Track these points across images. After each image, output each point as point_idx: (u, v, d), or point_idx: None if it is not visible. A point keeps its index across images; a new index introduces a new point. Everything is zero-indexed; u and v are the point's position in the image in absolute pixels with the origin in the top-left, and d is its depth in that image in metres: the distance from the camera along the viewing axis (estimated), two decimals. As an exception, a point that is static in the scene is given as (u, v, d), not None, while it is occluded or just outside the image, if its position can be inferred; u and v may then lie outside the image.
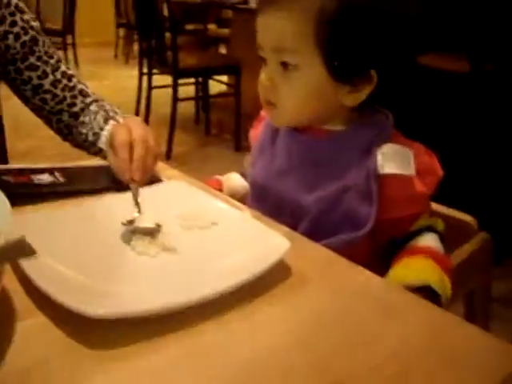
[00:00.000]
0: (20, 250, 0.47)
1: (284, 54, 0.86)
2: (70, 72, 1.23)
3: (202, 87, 4.49)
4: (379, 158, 0.85)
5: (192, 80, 4.42)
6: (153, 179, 0.96)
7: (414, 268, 0.85)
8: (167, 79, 3.86)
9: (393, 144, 0.86)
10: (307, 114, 0.90)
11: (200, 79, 4.49)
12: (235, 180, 1.15)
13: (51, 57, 1.20)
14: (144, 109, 4.19)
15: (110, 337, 0.58)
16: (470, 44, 1.84)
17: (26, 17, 1.17)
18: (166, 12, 3.76)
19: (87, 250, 0.73)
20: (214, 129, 4.20)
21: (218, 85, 4.48)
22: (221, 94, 4.78)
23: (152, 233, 0.78)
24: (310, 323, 0.63)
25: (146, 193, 0.88)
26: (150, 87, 4.14)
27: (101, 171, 1.01)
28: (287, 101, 0.88)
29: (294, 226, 0.88)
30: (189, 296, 0.62)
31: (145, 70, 4.25)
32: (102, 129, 1.14)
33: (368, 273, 0.75)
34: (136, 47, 6.58)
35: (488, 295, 1.16)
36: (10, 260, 0.56)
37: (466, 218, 1.07)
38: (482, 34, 1.84)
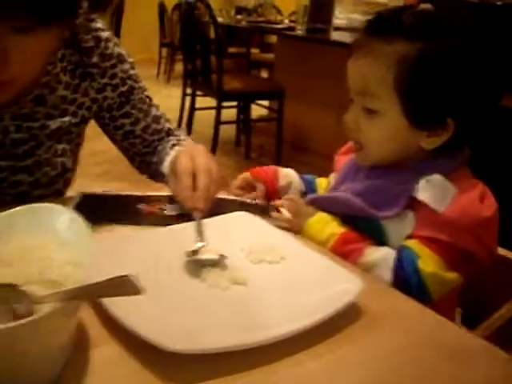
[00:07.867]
0: (124, 288, 0.47)
1: (367, 99, 0.90)
2: (158, 114, 1.23)
3: (244, 110, 4.51)
4: (422, 182, 0.87)
5: (234, 103, 4.45)
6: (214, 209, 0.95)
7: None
8: (209, 101, 3.89)
9: (441, 176, 0.87)
10: (389, 156, 0.93)
11: (241, 103, 4.52)
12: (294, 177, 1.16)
13: (144, 102, 1.20)
14: (185, 130, 4.22)
15: (183, 370, 0.58)
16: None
17: (125, 66, 1.16)
18: (211, 34, 3.80)
19: (158, 279, 0.73)
20: (254, 153, 4.21)
21: (258, 108, 4.51)
22: (263, 119, 4.80)
23: (220, 265, 0.78)
24: (378, 367, 0.63)
25: (211, 223, 0.88)
26: (194, 108, 4.17)
27: None
28: (371, 143, 0.93)
29: None
30: (264, 334, 0.62)
31: (188, 91, 4.29)
32: (167, 154, 1.14)
33: (439, 317, 0.74)
34: (178, 67, 6.66)
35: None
36: (114, 296, 0.56)
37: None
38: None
